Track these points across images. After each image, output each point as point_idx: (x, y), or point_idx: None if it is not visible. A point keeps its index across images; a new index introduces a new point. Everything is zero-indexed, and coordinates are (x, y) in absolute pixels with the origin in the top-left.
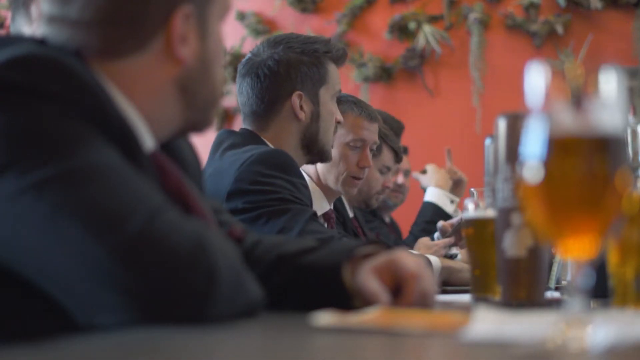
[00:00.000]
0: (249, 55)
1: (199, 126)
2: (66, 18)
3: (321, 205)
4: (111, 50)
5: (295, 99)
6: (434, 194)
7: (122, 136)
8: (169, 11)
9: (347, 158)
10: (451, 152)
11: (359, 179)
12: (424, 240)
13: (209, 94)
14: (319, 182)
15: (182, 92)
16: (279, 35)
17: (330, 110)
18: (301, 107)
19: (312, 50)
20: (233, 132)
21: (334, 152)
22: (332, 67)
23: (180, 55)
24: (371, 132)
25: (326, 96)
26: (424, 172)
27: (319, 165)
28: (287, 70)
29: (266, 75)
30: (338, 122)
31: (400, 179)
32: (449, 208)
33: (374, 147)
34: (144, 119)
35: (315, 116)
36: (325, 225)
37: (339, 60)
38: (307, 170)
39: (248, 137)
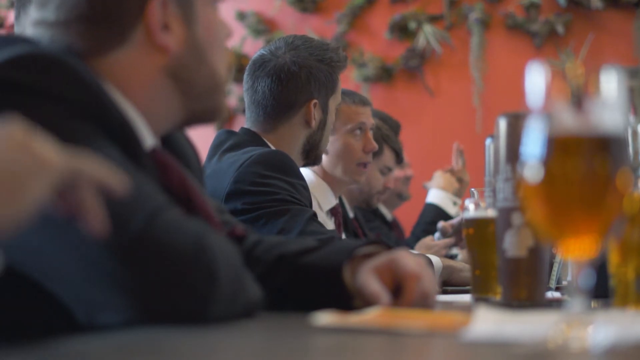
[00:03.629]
0: (264, 53)
1: (208, 115)
2: (45, 20)
3: (328, 200)
4: (94, 48)
5: (311, 107)
6: (436, 196)
7: (122, 135)
8: (144, 1)
9: (352, 147)
10: (463, 152)
11: (367, 164)
12: (426, 240)
13: (207, 80)
14: (324, 177)
15: (175, 81)
16: (295, 36)
17: (333, 120)
18: (314, 116)
19: (329, 58)
20: (233, 133)
21: (337, 145)
22: (339, 77)
23: (164, 43)
24: (367, 116)
25: (333, 106)
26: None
27: (324, 160)
28: (308, 76)
29: (289, 79)
30: None
31: (409, 171)
32: (451, 210)
33: (373, 129)
34: (142, 116)
35: (322, 124)
36: (333, 220)
37: (343, 68)
38: (312, 167)
39: (248, 138)
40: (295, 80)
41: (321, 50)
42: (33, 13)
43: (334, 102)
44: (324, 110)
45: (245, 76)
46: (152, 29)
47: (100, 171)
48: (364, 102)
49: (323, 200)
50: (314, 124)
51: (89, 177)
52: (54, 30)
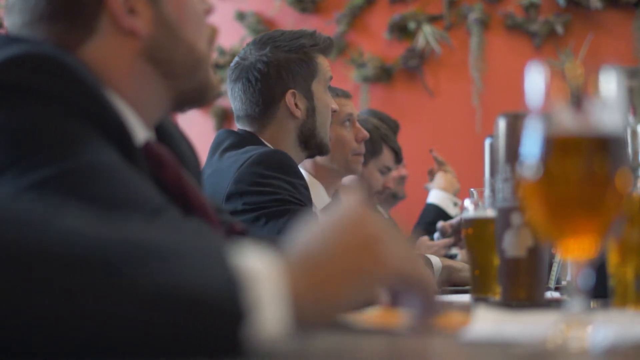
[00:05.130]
0: (236, 59)
1: (197, 94)
2: (14, 25)
3: (322, 199)
4: (63, 43)
5: (289, 98)
6: (437, 196)
7: (117, 133)
8: None
9: (344, 138)
10: (437, 153)
11: (361, 154)
12: (424, 240)
13: (186, 57)
14: (317, 174)
15: (155, 65)
16: (264, 35)
17: (325, 102)
18: (296, 105)
19: (299, 46)
20: (232, 132)
21: (331, 139)
22: (320, 59)
23: (131, 27)
24: (352, 107)
25: (319, 89)
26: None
27: (320, 157)
28: (277, 70)
29: (257, 79)
30: (334, 111)
31: (404, 171)
32: (451, 210)
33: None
34: (132, 108)
35: (311, 111)
36: None
37: (327, 50)
38: (304, 165)
39: (247, 138)
40: (263, 78)
41: (291, 40)
42: (5, 21)
43: (320, 84)
44: (308, 96)
45: (227, 84)
46: (117, 14)
47: (430, 291)
48: (346, 95)
49: (317, 198)
50: (298, 113)
51: (419, 291)
52: (23, 32)
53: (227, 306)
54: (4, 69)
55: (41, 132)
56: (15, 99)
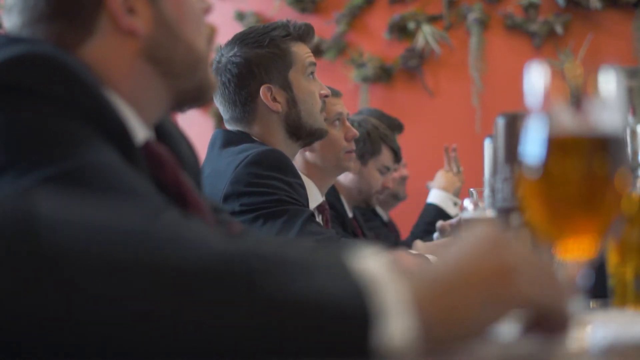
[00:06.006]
0: (214, 62)
1: (197, 93)
2: (15, 25)
3: (315, 197)
4: (62, 43)
5: (264, 93)
6: (437, 196)
7: (117, 133)
8: None
9: (335, 137)
10: (456, 155)
11: (352, 151)
12: (419, 242)
13: (185, 56)
14: (309, 173)
15: (154, 64)
16: (236, 34)
17: (308, 90)
18: (275, 99)
19: (269, 39)
20: (227, 131)
21: None
22: (296, 47)
23: (131, 27)
24: (342, 106)
25: (298, 78)
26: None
27: (311, 156)
28: (248, 68)
29: (230, 80)
30: (325, 96)
31: (405, 172)
32: (451, 210)
33: (349, 117)
34: (131, 107)
35: (292, 102)
36: (320, 217)
37: (303, 37)
38: (296, 163)
39: (240, 136)
40: (236, 78)
41: (260, 35)
42: (4, 22)
43: (298, 73)
44: (286, 87)
45: None
46: (116, 14)
47: (563, 326)
48: (336, 94)
49: (309, 197)
50: (278, 107)
51: (552, 323)
52: (23, 32)
53: (354, 311)
54: (4, 69)
55: (41, 132)
56: (15, 99)
